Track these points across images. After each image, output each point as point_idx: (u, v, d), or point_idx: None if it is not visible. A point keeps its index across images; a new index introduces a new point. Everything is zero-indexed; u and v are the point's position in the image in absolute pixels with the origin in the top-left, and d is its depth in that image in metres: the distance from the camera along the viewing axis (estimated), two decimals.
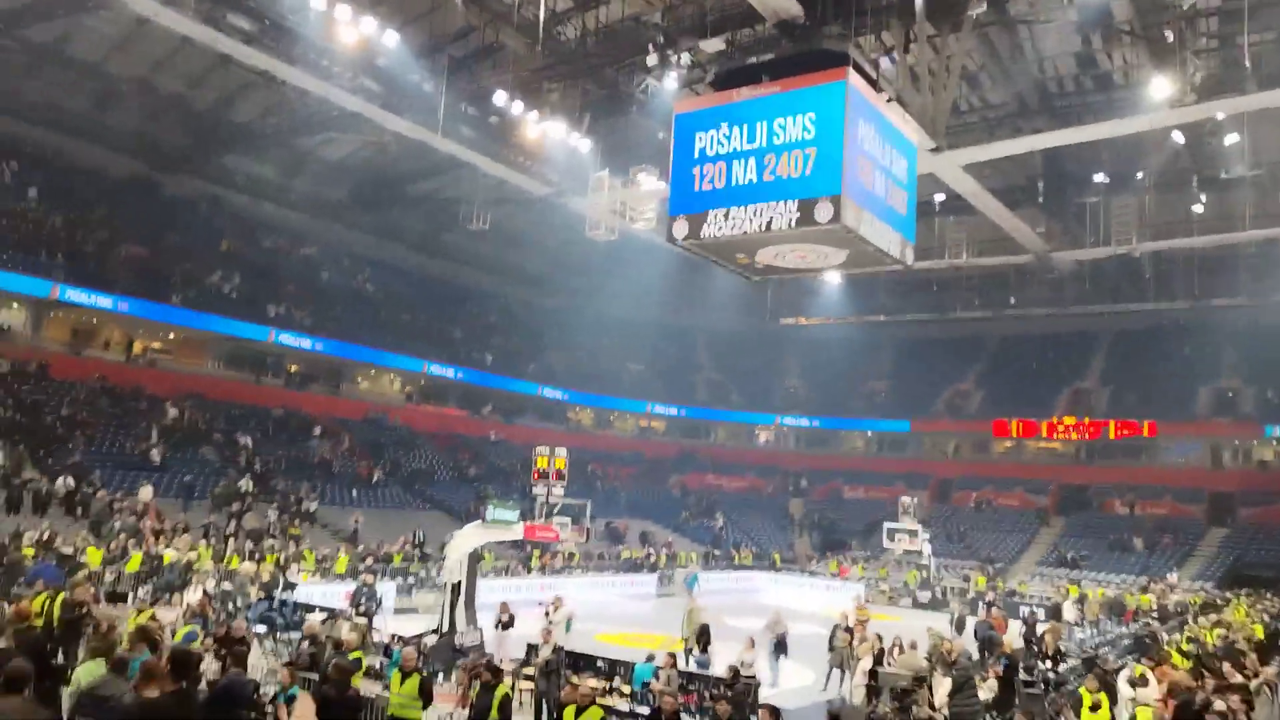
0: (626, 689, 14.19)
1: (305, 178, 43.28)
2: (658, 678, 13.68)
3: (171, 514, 26.69)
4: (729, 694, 12.90)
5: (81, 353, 33.29)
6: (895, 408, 52.70)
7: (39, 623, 13.07)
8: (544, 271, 52.95)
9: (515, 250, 50.56)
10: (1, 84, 33.77)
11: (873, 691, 13.72)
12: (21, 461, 25.89)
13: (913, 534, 32.92)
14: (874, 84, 15.08)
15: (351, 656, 12.24)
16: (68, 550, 21.21)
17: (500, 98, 33.63)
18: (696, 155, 14.95)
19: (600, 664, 15.09)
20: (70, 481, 25.60)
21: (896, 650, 15.71)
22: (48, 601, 15.28)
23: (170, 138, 38.75)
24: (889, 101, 16.08)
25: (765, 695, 13.84)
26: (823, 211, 13.09)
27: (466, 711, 11.34)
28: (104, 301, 32.38)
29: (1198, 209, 33.61)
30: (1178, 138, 29.31)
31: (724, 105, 14.86)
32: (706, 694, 13.65)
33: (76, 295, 31.54)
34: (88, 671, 10.37)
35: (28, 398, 29.02)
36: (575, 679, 11.23)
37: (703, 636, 17.47)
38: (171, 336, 36.71)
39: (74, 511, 24.90)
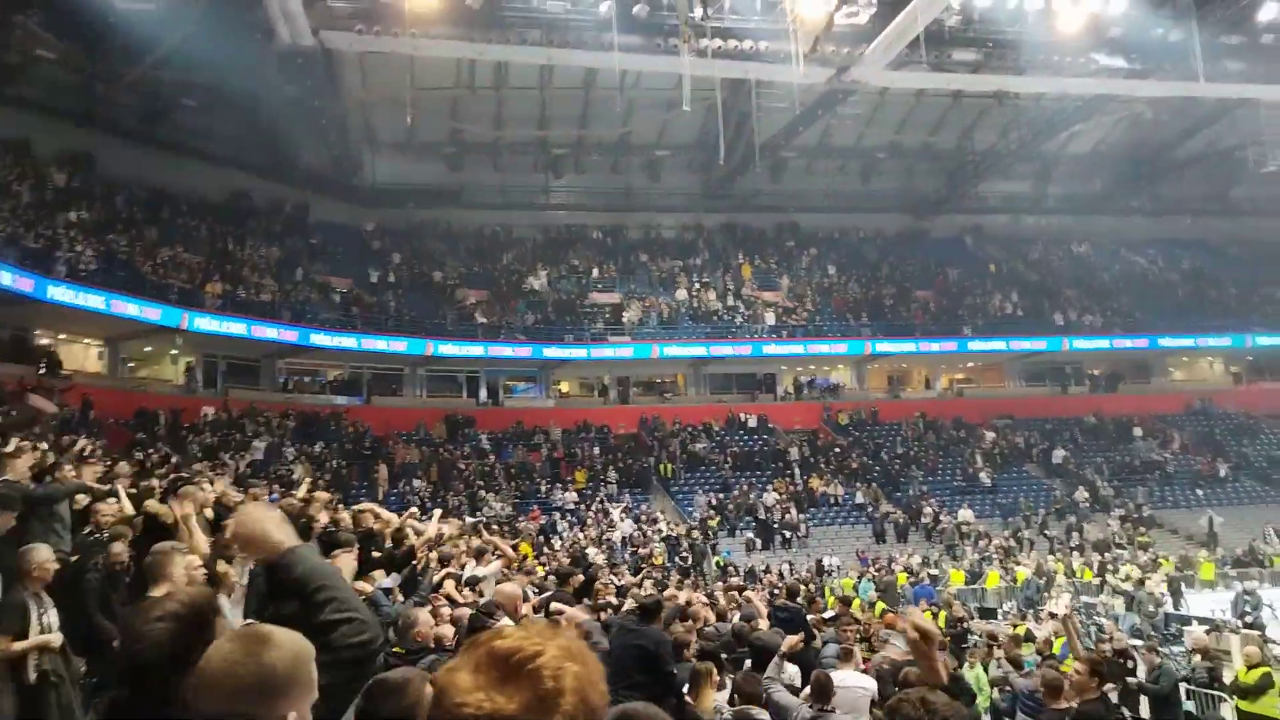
0: None
1: (1058, 180, 42.28)
2: None
3: (995, 532, 27.75)
4: None
5: (899, 395, 37.20)
6: None
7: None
8: None
9: None
10: (790, 186, 40.58)
11: None
12: (878, 498, 29.75)
13: None
14: None
15: (1258, 674, 11.03)
16: (935, 572, 23.54)
17: (1269, 10, 28.61)
18: None
19: None
20: (926, 509, 28.52)
21: None
22: (931, 618, 17.14)
23: (925, 186, 41.72)
24: None
25: None
26: None
27: None
28: (907, 347, 35.82)
29: None
30: None
31: None
32: None
33: (885, 346, 35.47)
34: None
35: (869, 441, 33.46)
36: None
37: None
38: (970, 365, 38.67)
39: (932, 538, 27.56)
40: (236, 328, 27.12)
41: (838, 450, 32.55)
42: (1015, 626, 16.79)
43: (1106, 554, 25.23)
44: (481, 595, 8.54)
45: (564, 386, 35.95)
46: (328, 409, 29.95)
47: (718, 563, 24.48)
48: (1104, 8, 28.40)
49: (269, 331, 27.98)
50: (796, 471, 30.84)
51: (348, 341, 30.10)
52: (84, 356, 27.01)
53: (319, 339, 29.33)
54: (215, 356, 29.22)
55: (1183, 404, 37.37)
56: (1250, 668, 11.22)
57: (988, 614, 20.42)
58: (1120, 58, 30.73)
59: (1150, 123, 37.54)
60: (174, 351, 28.89)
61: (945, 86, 33.44)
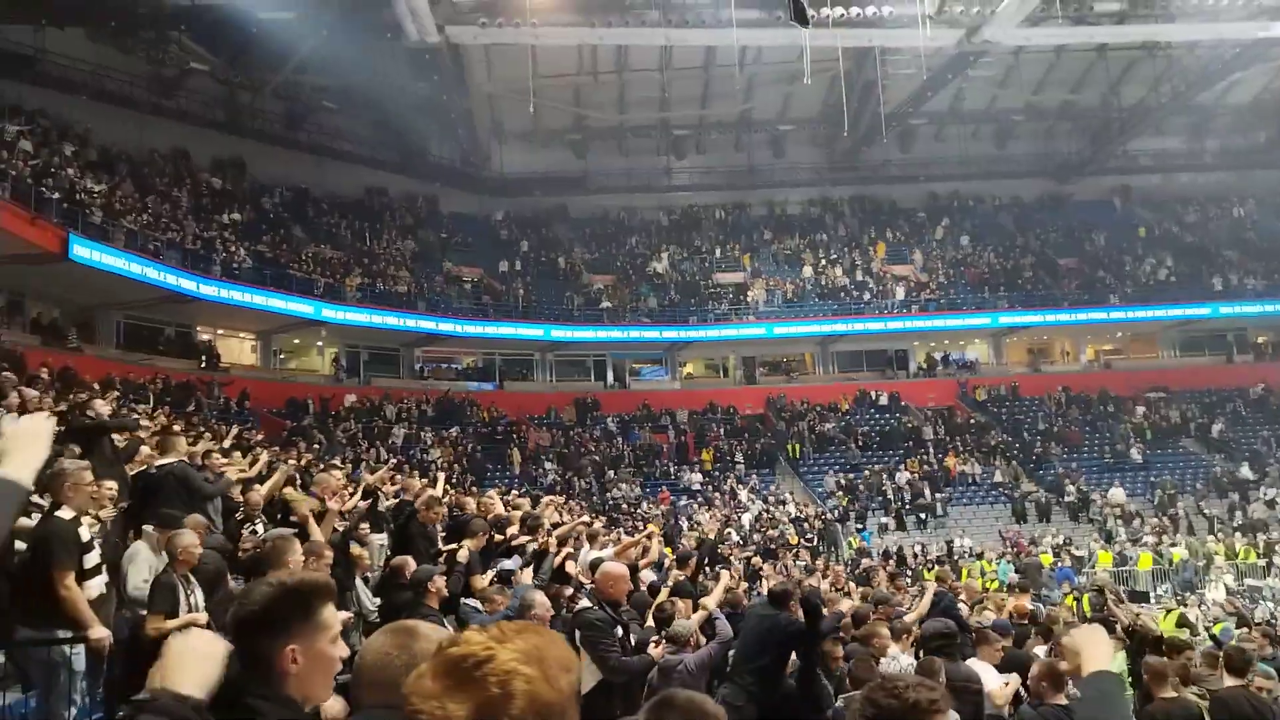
0: None
1: (1216, 133, 39.24)
2: None
3: (1147, 511, 26.22)
4: None
5: (1041, 369, 35.51)
6: None
7: (1068, 619, 14.11)
8: None
9: None
10: (920, 154, 39.16)
11: None
12: (1019, 476, 28.59)
13: None
14: None
15: None
16: (1080, 553, 22.48)
17: None
18: None
19: None
20: (1070, 488, 27.22)
21: None
22: (1074, 601, 16.44)
23: (1067, 147, 39.52)
24: None
25: None
26: None
27: None
28: (1048, 318, 34.12)
29: None
30: None
31: None
32: None
33: (1024, 318, 33.88)
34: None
35: (1008, 418, 32.14)
36: None
37: None
38: (1119, 335, 36.54)
39: (1078, 517, 26.30)
40: (376, 318, 28.47)
41: (974, 427, 31.41)
42: (1168, 612, 15.89)
43: (1274, 534, 23.47)
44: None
45: (689, 368, 36.04)
46: (463, 395, 31.06)
47: (850, 543, 24.11)
48: None
49: (406, 321, 29.24)
50: (931, 450, 29.94)
51: (480, 329, 31.13)
52: (239, 350, 28.92)
53: (453, 327, 30.43)
54: (357, 346, 30.77)
55: None
56: None
57: (1139, 598, 19.35)
58: None
59: None
60: (319, 343, 30.58)
61: (1088, 40, 31.56)
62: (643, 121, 38.03)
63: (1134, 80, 35.62)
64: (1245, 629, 12.73)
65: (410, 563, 6.90)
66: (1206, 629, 14.10)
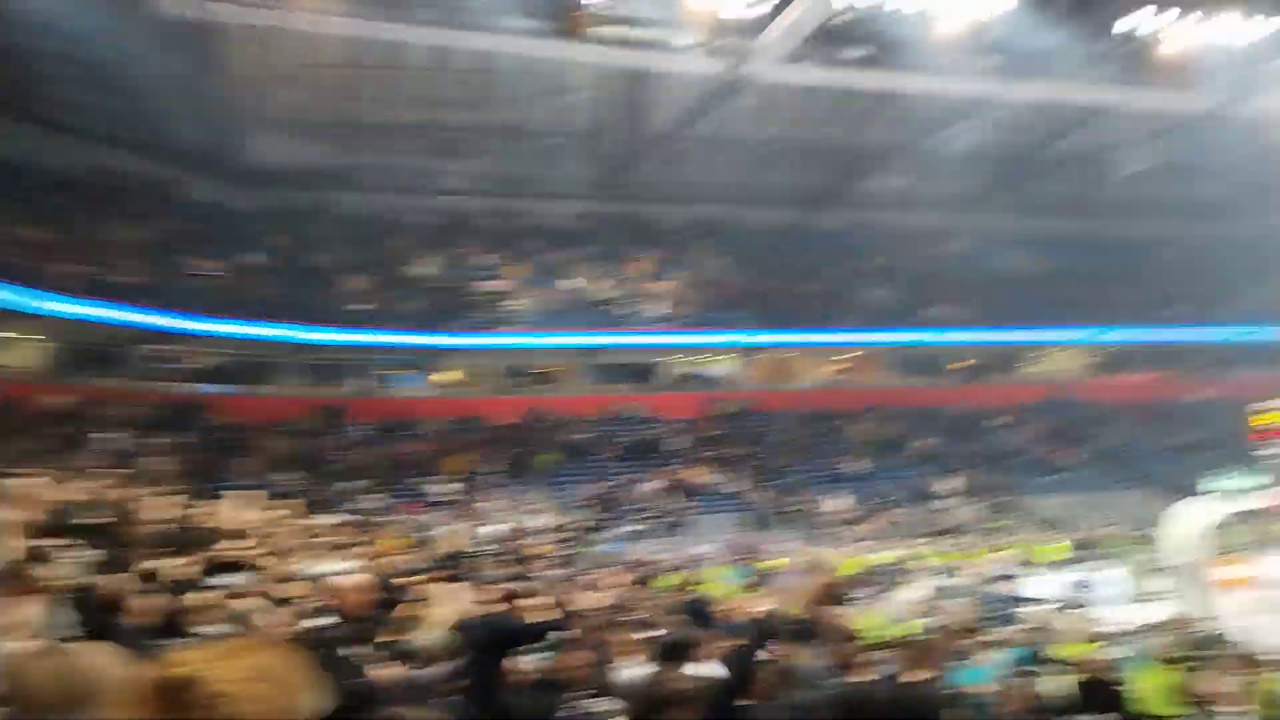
0: None
1: (939, 178, 43.68)
2: None
3: (863, 518, 28.99)
4: None
5: (780, 386, 38.08)
6: None
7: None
8: (1229, 198, 44.96)
9: (1185, 184, 44.15)
10: (683, 177, 40.90)
11: None
12: (756, 487, 30.59)
13: None
14: None
15: (1075, 650, 11.87)
16: (808, 558, 24.33)
17: (1144, 14, 30.82)
18: None
19: None
20: (801, 498, 29.44)
21: None
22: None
23: (814, 180, 42.68)
24: None
25: None
26: None
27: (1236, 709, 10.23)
28: (789, 339, 36.84)
29: None
30: None
31: None
32: None
33: (768, 338, 36.46)
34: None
35: (749, 431, 34.30)
36: None
37: None
38: (848, 357, 39.83)
39: (806, 525, 28.50)
40: (96, 311, 25.92)
41: (717, 440, 33.20)
42: (869, 611, 17.53)
43: (964, 538, 26.59)
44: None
45: (447, 375, 35.48)
46: (195, 397, 28.91)
47: (597, 552, 24.70)
48: (984, 13, 29.85)
49: (134, 316, 26.83)
50: (677, 461, 31.34)
51: (219, 327, 29.10)
52: None
53: (188, 324, 28.29)
54: (74, 341, 27.77)
55: (1043, 394, 39.40)
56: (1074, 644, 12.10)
57: (847, 599, 21.15)
58: (1002, 58, 32.20)
59: (1023, 123, 39.26)
60: (29, 336, 27.35)
61: (834, 83, 34.33)
62: (413, 121, 37.06)
63: (873, 123, 39.12)
64: (946, 626, 14.30)
65: (108, 582, 6.49)
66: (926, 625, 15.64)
